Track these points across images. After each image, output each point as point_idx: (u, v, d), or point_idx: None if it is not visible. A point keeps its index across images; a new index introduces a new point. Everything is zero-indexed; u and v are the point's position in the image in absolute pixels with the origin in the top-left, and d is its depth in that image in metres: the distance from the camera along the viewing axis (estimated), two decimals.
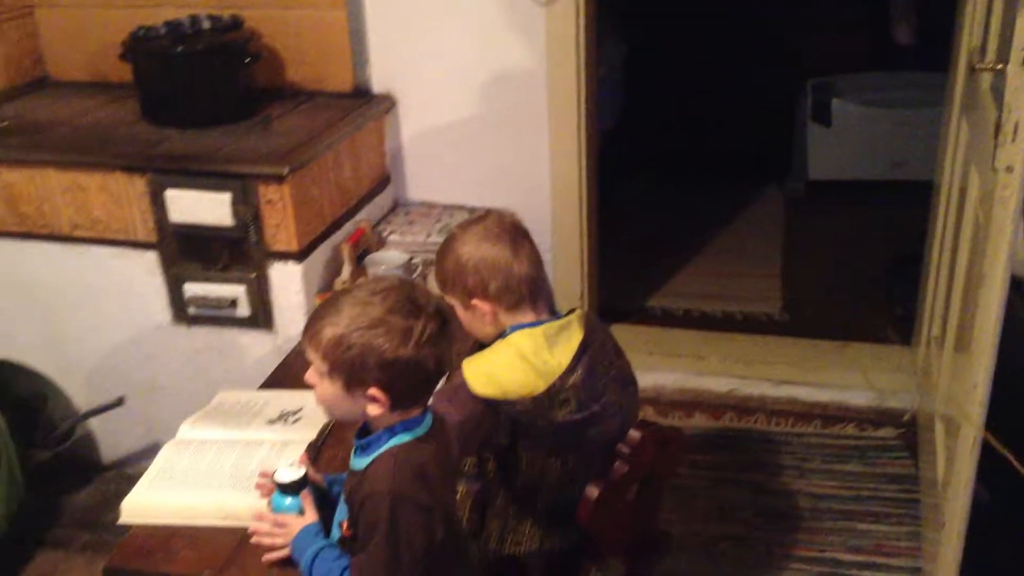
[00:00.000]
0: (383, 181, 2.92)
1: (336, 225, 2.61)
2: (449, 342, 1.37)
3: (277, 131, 2.61)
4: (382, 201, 2.92)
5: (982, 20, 2.27)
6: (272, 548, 1.47)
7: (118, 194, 2.44)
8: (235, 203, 2.35)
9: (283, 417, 1.95)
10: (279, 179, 2.33)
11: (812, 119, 4.29)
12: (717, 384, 3.02)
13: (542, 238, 2.95)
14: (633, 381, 1.83)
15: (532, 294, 1.72)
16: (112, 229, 2.49)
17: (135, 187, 2.41)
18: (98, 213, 2.48)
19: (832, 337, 3.18)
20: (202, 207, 2.37)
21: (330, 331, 1.30)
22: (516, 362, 1.65)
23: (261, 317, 2.49)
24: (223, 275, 2.45)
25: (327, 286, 2.54)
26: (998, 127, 1.81)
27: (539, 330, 1.68)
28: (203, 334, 2.56)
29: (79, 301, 2.63)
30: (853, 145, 4.22)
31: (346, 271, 2.53)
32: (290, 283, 2.44)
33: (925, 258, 2.90)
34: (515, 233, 1.75)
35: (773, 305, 3.44)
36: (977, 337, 1.86)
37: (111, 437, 2.84)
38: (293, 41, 2.86)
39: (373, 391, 1.30)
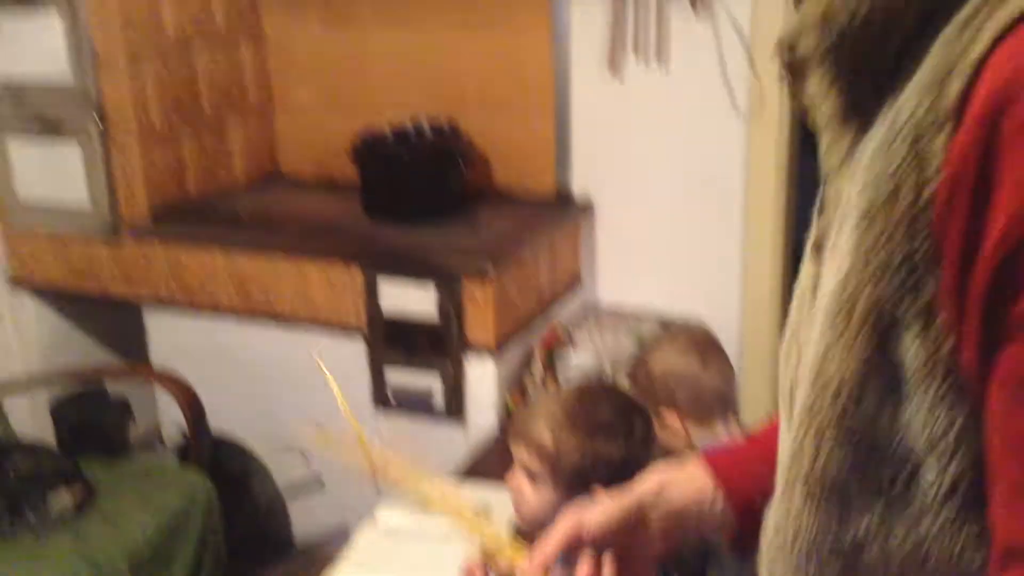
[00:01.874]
0: (576, 283, 3.01)
1: (530, 325, 2.71)
2: (655, 442, 1.41)
3: (483, 231, 2.75)
4: (574, 303, 3.00)
5: None
6: None
7: (336, 283, 2.63)
8: (440, 297, 2.49)
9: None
10: (483, 276, 2.45)
11: None
12: None
13: (729, 350, 2.96)
14: None
15: (723, 408, 1.74)
16: (327, 315, 2.69)
17: (352, 277, 2.60)
18: (318, 300, 2.68)
19: None
20: (409, 299, 2.53)
21: (548, 435, 1.36)
22: None
23: (454, 409, 2.59)
24: (423, 365, 2.59)
25: (519, 384, 2.62)
26: None
27: None
28: (400, 421, 2.68)
29: (292, 382, 2.82)
30: None
31: (537, 371, 2.61)
32: (485, 378, 2.54)
33: None
34: (707, 346, 1.79)
35: None
36: None
37: (304, 516, 2.99)
38: (502, 146, 3.04)
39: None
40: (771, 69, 2.69)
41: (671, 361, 1.77)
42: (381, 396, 2.67)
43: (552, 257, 2.84)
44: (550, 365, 2.62)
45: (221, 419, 2.96)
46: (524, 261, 2.67)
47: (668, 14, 2.77)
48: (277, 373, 2.82)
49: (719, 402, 1.75)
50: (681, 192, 2.92)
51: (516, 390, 2.60)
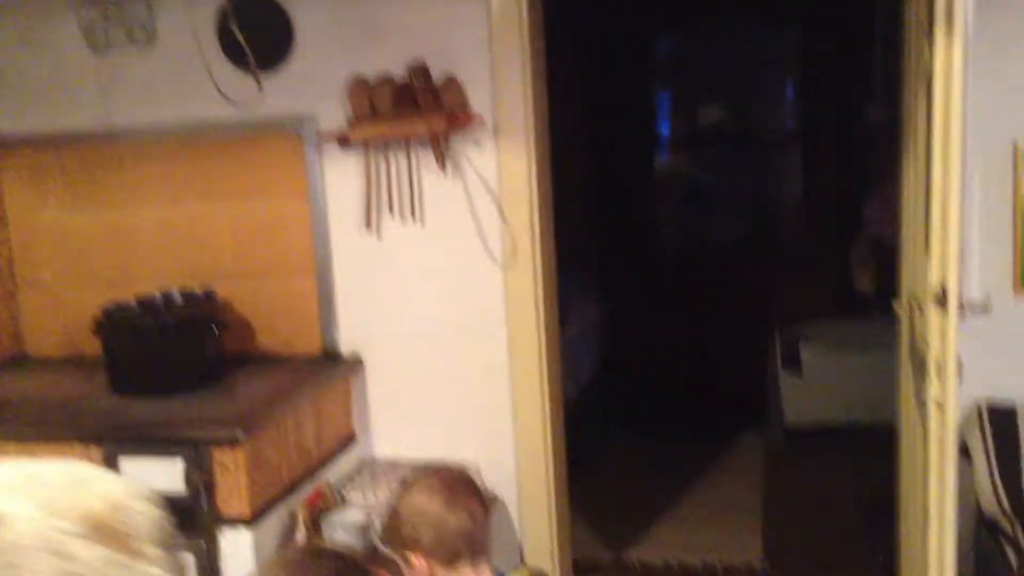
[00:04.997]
0: (350, 440, 2.94)
1: (297, 488, 2.60)
2: None
3: (239, 396, 2.66)
4: (348, 460, 2.92)
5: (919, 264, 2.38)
6: None
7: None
8: (188, 469, 2.36)
9: None
10: (233, 443, 2.35)
11: (784, 366, 4.37)
12: None
13: (507, 490, 2.95)
14: None
15: (471, 549, 1.70)
16: None
17: (91, 458, 2.42)
18: None
19: None
20: (155, 474, 2.37)
21: None
22: None
23: None
24: None
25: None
26: (923, 365, 1.86)
27: None
28: None
29: None
30: (826, 392, 4.27)
31: (300, 535, 2.49)
32: (241, 550, 2.39)
33: (896, 504, 2.84)
34: (457, 486, 1.77)
35: (754, 555, 3.34)
36: None
37: None
38: (264, 309, 2.99)
39: None
40: (520, 218, 2.82)
41: (417, 502, 1.73)
42: None
43: (319, 416, 2.77)
44: (315, 527, 2.50)
45: None
46: (284, 424, 2.59)
47: (420, 173, 2.87)
48: None
49: (466, 543, 1.71)
50: (448, 341, 2.95)
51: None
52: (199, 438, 2.36)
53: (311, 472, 2.70)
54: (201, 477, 2.35)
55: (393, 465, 2.96)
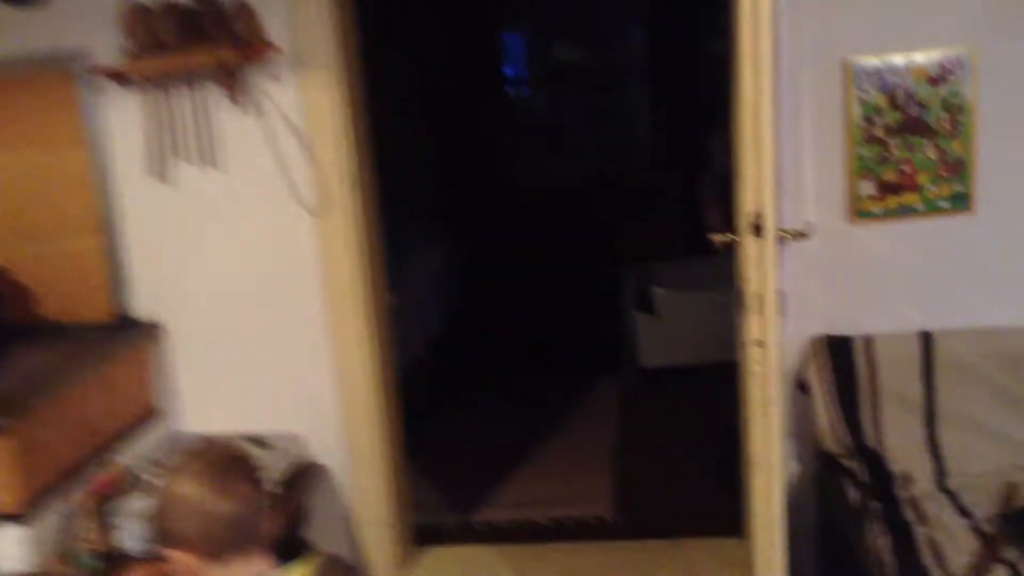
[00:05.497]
0: (151, 415, 2.64)
1: (84, 473, 2.30)
2: None
3: (12, 373, 2.32)
4: (151, 438, 2.62)
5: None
6: None
7: None
8: None
9: None
10: None
11: (638, 308, 4.25)
12: None
13: (334, 460, 2.72)
14: None
15: (243, 539, 1.46)
16: None
17: None
18: None
19: (666, 535, 2.95)
20: None
21: None
22: None
23: None
24: None
25: (70, 546, 2.19)
26: (743, 300, 1.71)
27: None
28: None
29: None
30: (680, 331, 4.18)
31: (87, 527, 2.19)
32: (12, 547, 2.09)
33: (743, 443, 2.75)
34: (227, 469, 1.51)
35: (604, 506, 3.21)
36: (755, 524, 1.67)
37: None
38: (46, 273, 2.64)
39: None
40: (330, 159, 2.55)
41: (180, 491, 1.47)
42: None
43: (110, 390, 2.47)
44: (100, 518, 2.21)
45: None
46: (67, 401, 2.27)
47: (213, 113, 2.56)
48: None
49: (237, 533, 1.47)
50: (259, 300, 2.67)
51: (63, 553, 2.16)
52: None
53: (102, 454, 2.40)
54: None
55: (207, 439, 2.68)
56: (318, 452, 2.71)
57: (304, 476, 2.61)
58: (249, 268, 2.64)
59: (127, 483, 2.37)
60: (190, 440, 2.66)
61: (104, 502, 2.25)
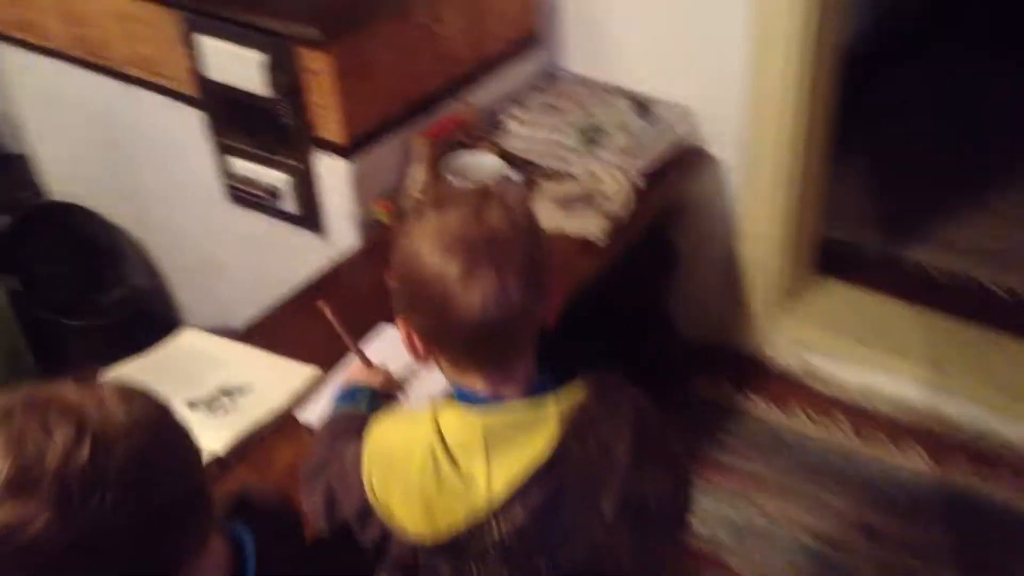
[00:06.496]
0: (525, 44, 2.17)
1: (429, 107, 1.95)
2: None
3: None
4: (523, 72, 2.18)
5: None
6: None
7: (160, 31, 1.93)
8: (273, 68, 1.76)
9: (212, 401, 1.45)
10: (318, 45, 1.69)
11: None
12: (957, 411, 2.10)
13: (727, 152, 2.12)
14: (671, 518, 1.07)
15: (480, 352, 0.99)
16: (162, 74, 2.01)
17: (170, 24, 1.88)
18: (146, 51, 2.00)
19: None
20: (234, 65, 1.81)
21: None
22: (416, 468, 0.98)
23: (309, 217, 1.94)
24: (268, 157, 1.91)
25: (396, 192, 1.91)
26: None
27: (477, 420, 0.98)
28: (254, 220, 2.06)
29: (149, 152, 2.22)
30: None
31: (418, 175, 1.88)
32: (338, 183, 1.85)
33: None
34: (488, 243, 0.98)
35: None
36: None
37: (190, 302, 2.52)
38: None
39: None
40: None
41: (421, 254, 0.99)
42: (230, 189, 2.04)
43: (474, 7, 2.00)
44: (434, 168, 1.88)
45: (75, 185, 2.45)
46: (405, 17, 1.83)
47: None
48: (134, 140, 2.21)
49: (475, 340, 0.98)
50: None
51: (389, 201, 1.88)
52: (279, 30, 1.72)
53: (459, 85, 2.01)
54: (287, 80, 1.75)
55: (584, 87, 2.19)
56: (709, 137, 2.12)
57: (684, 164, 2.07)
58: None
59: (481, 127, 1.99)
60: (571, 80, 2.18)
61: (442, 148, 1.90)
